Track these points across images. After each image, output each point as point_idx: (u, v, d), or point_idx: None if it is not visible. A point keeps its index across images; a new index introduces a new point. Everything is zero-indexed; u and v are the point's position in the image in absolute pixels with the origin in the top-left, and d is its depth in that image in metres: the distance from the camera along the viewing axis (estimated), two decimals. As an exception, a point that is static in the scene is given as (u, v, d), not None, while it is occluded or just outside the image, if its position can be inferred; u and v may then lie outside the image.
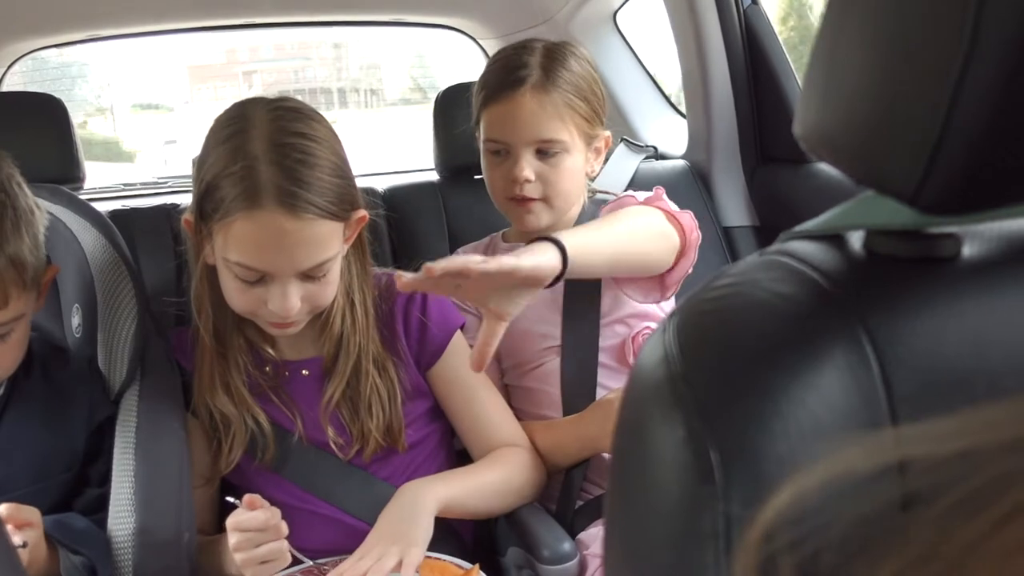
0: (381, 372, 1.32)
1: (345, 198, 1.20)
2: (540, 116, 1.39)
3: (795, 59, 1.84)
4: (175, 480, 1.23)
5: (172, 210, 1.70)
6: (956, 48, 0.42)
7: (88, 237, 1.35)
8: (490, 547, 1.45)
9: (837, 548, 0.33)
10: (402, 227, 1.81)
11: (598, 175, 1.57)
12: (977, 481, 0.27)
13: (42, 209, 1.23)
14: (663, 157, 2.06)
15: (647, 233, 1.34)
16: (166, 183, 2.42)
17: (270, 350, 1.33)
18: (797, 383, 0.46)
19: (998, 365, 0.46)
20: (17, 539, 1.05)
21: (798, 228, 0.56)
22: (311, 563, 1.23)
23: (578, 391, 1.45)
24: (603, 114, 1.47)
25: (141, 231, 1.67)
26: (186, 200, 1.30)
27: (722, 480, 0.45)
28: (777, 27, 1.86)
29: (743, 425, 0.46)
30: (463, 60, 2.80)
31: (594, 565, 1.27)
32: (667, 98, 2.31)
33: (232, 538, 1.14)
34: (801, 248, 0.53)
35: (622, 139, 1.99)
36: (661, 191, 1.41)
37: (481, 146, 1.49)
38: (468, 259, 1.05)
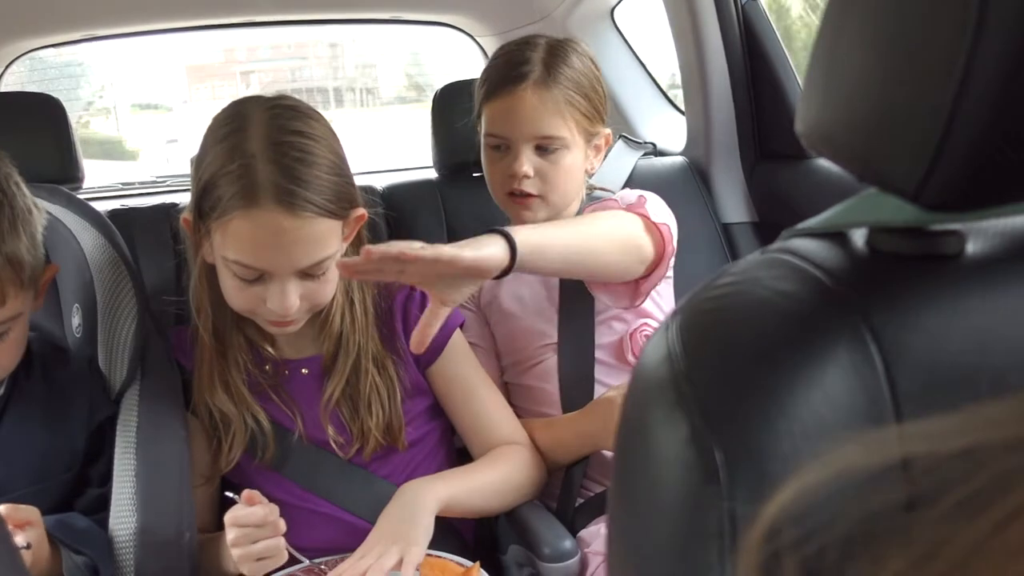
0: (381, 370, 1.32)
1: (343, 196, 1.19)
2: (541, 112, 1.40)
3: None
4: (176, 480, 1.23)
5: (171, 209, 1.69)
6: (959, 45, 0.41)
7: (87, 237, 1.34)
8: (491, 545, 1.45)
9: (840, 546, 0.32)
10: (401, 225, 1.80)
11: (596, 172, 1.57)
12: (979, 480, 0.27)
13: (40, 209, 1.23)
14: (662, 154, 2.06)
15: (612, 240, 1.32)
16: (165, 182, 2.42)
17: (270, 349, 1.33)
18: (801, 381, 0.45)
19: (1002, 362, 0.46)
20: (21, 540, 1.05)
21: (800, 226, 0.56)
22: (308, 562, 1.23)
23: (576, 388, 1.45)
24: (604, 112, 1.48)
25: (140, 230, 1.66)
26: (185, 199, 1.30)
27: (726, 479, 0.45)
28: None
29: (747, 424, 0.45)
30: (458, 59, 2.80)
31: (595, 563, 1.27)
32: (665, 94, 2.31)
33: (230, 533, 1.14)
34: (803, 246, 0.53)
35: (620, 136, 1.99)
36: (644, 200, 1.39)
37: (481, 140, 1.49)
38: (407, 245, 1.04)
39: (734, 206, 1.93)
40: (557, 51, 1.44)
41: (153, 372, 1.32)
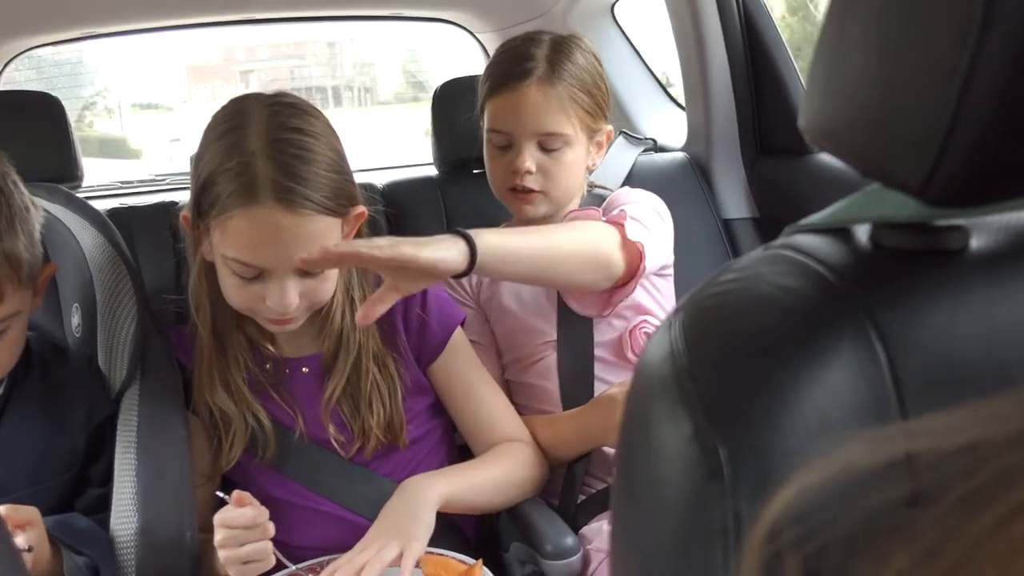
0: (381, 369, 1.32)
1: (343, 194, 1.19)
2: (544, 109, 1.40)
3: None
4: (177, 479, 1.23)
5: (171, 208, 1.69)
6: (964, 41, 0.41)
7: (87, 236, 1.34)
8: (493, 542, 1.45)
9: (843, 544, 0.32)
10: (401, 223, 1.80)
11: (597, 168, 1.57)
12: (982, 476, 0.27)
13: (38, 207, 1.23)
14: (662, 150, 2.06)
15: (580, 253, 1.29)
16: (164, 180, 2.41)
17: (270, 347, 1.33)
18: (804, 378, 0.45)
19: (1007, 357, 0.46)
20: (22, 542, 1.05)
21: (803, 221, 0.55)
22: (294, 568, 1.22)
23: (576, 386, 1.45)
24: (606, 108, 1.48)
25: (140, 229, 1.66)
26: (185, 197, 1.29)
27: (730, 476, 0.44)
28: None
29: (751, 421, 0.45)
30: (456, 58, 2.80)
31: (597, 560, 1.27)
32: (665, 90, 2.31)
33: (218, 534, 1.13)
34: (806, 241, 0.52)
35: (621, 132, 1.98)
36: (625, 214, 1.35)
37: (484, 136, 1.49)
38: (365, 243, 1.06)
39: (735, 202, 1.93)
40: (561, 47, 1.44)
41: (153, 371, 1.32)
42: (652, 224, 1.38)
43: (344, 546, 1.22)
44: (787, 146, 1.81)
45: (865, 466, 0.32)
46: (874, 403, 0.45)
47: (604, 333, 1.47)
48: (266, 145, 1.14)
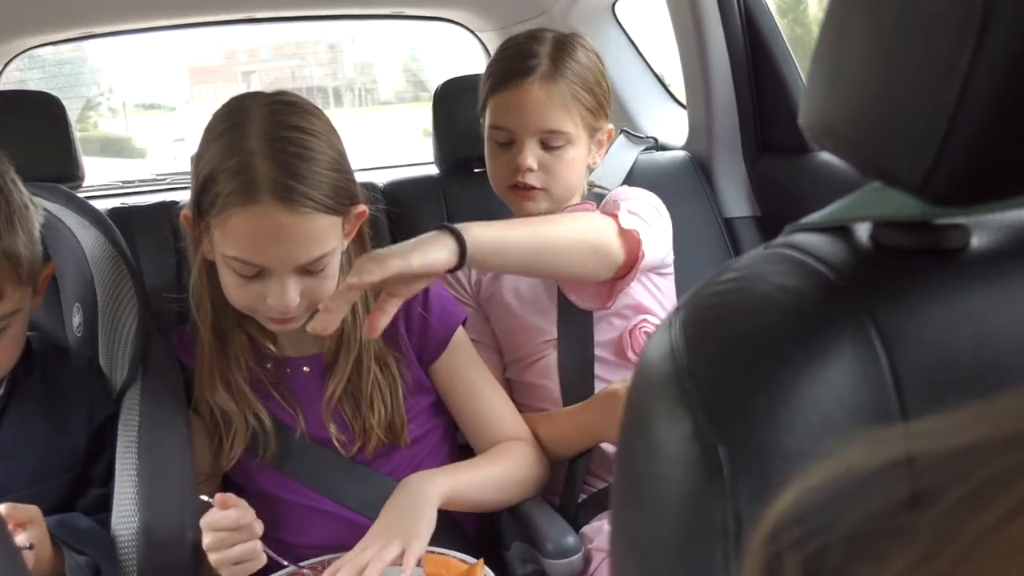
0: (383, 368, 1.32)
1: (343, 192, 1.19)
2: (547, 106, 1.40)
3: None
4: (178, 479, 1.23)
5: (172, 207, 1.69)
6: (964, 39, 0.41)
7: (87, 236, 1.34)
8: (494, 541, 1.45)
9: (843, 545, 0.32)
10: (403, 221, 1.80)
11: (598, 167, 1.57)
12: (981, 476, 0.27)
13: (37, 206, 1.23)
14: (663, 148, 2.06)
15: (578, 241, 1.30)
16: (165, 180, 2.42)
17: (271, 346, 1.33)
18: (804, 377, 0.45)
19: (1008, 356, 0.46)
20: (23, 539, 1.05)
21: (804, 220, 0.55)
22: (292, 567, 1.22)
23: (576, 385, 1.45)
24: (608, 107, 1.48)
25: (141, 229, 1.66)
26: (186, 197, 1.29)
27: (730, 476, 0.44)
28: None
29: (750, 420, 0.45)
30: (455, 59, 2.80)
31: (598, 559, 1.27)
32: (667, 88, 2.31)
33: (205, 538, 1.13)
34: (807, 240, 0.52)
35: (622, 130, 1.98)
36: (619, 206, 1.36)
37: (485, 133, 1.49)
38: (355, 272, 1.08)
39: (736, 200, 1.93)
40: (564, 45, 1.45)
41: (154, 371, 1.32)
42: (649, 217, 1.38)
43: (345, 545, 1.22)
44: (788, 144, 1.81)
45: (866, 467, 0.32)
46: (874, 402, 0.45)
47: (604, 332, 1.46)
48: (266, 143, 1.14)
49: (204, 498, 1.17)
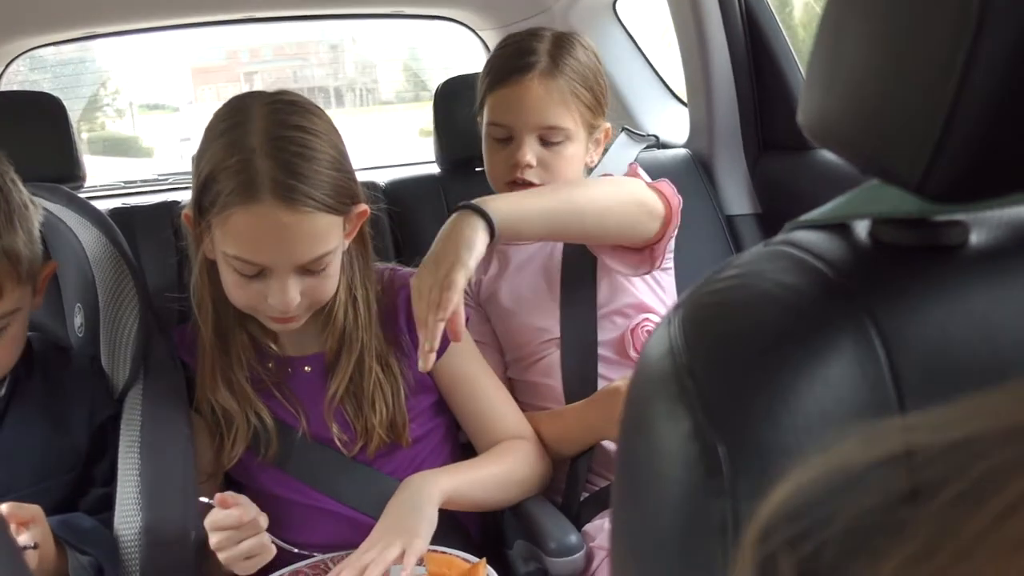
0: (384, 368, 1.32)
1: (344, 192, 1.19)
2: (546, 102, 1.41)
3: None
4: (180, 478, 1.23)
5: (173, 207, 1.69)
6: (962, 36, 0.41)
7: (88, 236, 1.34)
8: (497, 540, 1.45)
9: (839, 542, 0.32)
10: (404, 221, 1.80)
11: (596, 166, 1.57)
12: (980, 469, 0.27)
13: (37, 205, 1.23)
14: (665, 146, 2.06)
15: (618, 201, 1.33)
16: (167, 180, 2.42)
17: (273, 346, 1.33)
18: (804, 375, 0.45)
19: (1007, 353, 0.46)
20: (27, 539, 1.05)
21: (803, 218, 0.55)
22: (298, 552, 1.23)
23: (579, 384, 1.45)
24: (605, 105, 1.48)
25: (142, 228, 1.66)
26: (187, 197, 1.29)
27: (729, 474, 0.44)
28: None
29: (750, 418, 0.45)
30: (456, 58, 2.80)
31: (600, 557, 1.27)
32: (668, 86, 2.30)
33: (212, 538, 1.13)
34: (806, 238, 0.52)
35: (623, 128, 1.98)
36: (636, 166, 1.43)
37: (483, 131, 1.49)
38: (446, 309, 1.14)
39: (737, 198, 1.93)
40: (563, 43, 1.45)
41: (156, 370, 1.32)
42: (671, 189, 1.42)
43: (347, 544, 1.22)
44: (789, 142, 1.81)
45: (863, 462, 0.32)
46: (873, 400, 0.45)
47: (607, 331, 1.46)
48: (266, 142, 1.14)
49: (204, 500, 1.17)
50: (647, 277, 1.47)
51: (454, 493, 1.26)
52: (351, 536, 1.23)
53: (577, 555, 1.24)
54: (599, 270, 1.48)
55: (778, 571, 0.32)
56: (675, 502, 0.47)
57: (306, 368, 1.33)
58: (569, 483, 1.42)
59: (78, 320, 1.32)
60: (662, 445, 0.48)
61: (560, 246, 1.51)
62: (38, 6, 2.01)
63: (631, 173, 1.42)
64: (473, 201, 1.21)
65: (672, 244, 1.44)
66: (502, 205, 1.22)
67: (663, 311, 1.46)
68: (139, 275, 1.36)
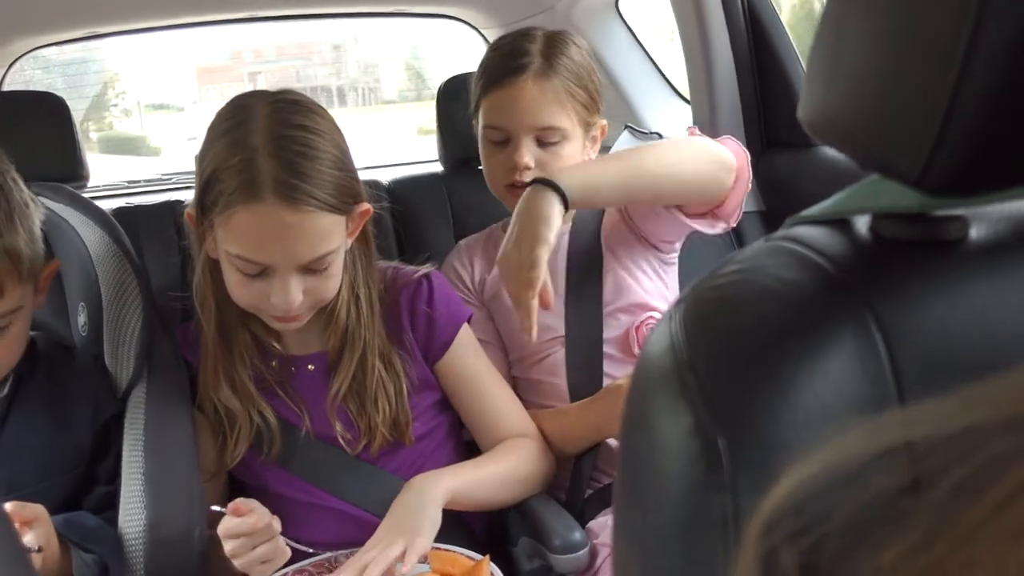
0: (387, 366, 1.32)
1: (346, 191, 1.19)
2: (541, 102, 1.40)
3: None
4: (184, 476, 1.23)
5: (176, 206, 1.70)
6: (961, 30, 0.41)
7: (91, 235, 1.35)
8: (501, 537, 1.45)
9: (841, 535, 0.32)
10: (407, 219, 1.81)
11: None
12: (978, 461, 0.27)
13: (37, 203, 1.23)
14: (668, 144, 2.05)
15: (692, 158, 1.35)
16: (170, 179, 2.42)
17: (276, 345, 1.33)
18: (804, 369, 0.45)
19: (1007, 347, 0.46)
20: (32, 540, 1.05)
21: (803, 213, 0.55)
22: (313, 552, 1.24)
23: (584, 382, 1.45)
24: (600, 102, 1.48)
25: (145, 228, 1.67)
26: (190, 196, 1.30)
27: (730, 469, 0.44)
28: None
29: (750, 413, 0.45)
30: (458, 57, 2.80)
31: (604, 554, 1.27)
32: (671, 84, 2.30)
33: (226, 545, 1.14)
34: (807, 233, 0.52)
35: (626, 126, 1.98)
36: (695, 128, 1.44)
37: (479, 134, 1.49)
38: (536, 288, 1.21)
39: (740, 196, 1.92)
40: (555, 42, 1.45)
41: (160, 369, 1.32)
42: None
43: (351, 542, 1.22)
44: (792, 139, 1.80)
45: (863, 454, 0.32)
46: (873, 394, 0.45)
47: (611, 328, 1.46)
48: (269, 141, 1.14)
49: (216, 508, 1.17)
50: (652, 275, 1.47)
51: (458, 493, 1.26)
52: (355, 534, 1.23)
53: (581, 552, 1.24)
54: (605, 267, 1.48)
55: (780, 564, 0.32)
56: (676, 497, 0.47)
57: (309, 366, 1.34)
58: (573, 480, 1.42)
59: (82, 319, 1.32)
60: (663, 440, 0.48)
61: (565, 244, 1.51)
62: (41, 6, 2.01)
63: (691, 135, 1.43)
64: (545, 175, 1.26)
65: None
66: (574, 177, 1.27)
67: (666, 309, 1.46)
68: (142, 274, 1.36)
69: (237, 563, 1.14)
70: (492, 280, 1.53)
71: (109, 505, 1.21)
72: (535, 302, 1.22)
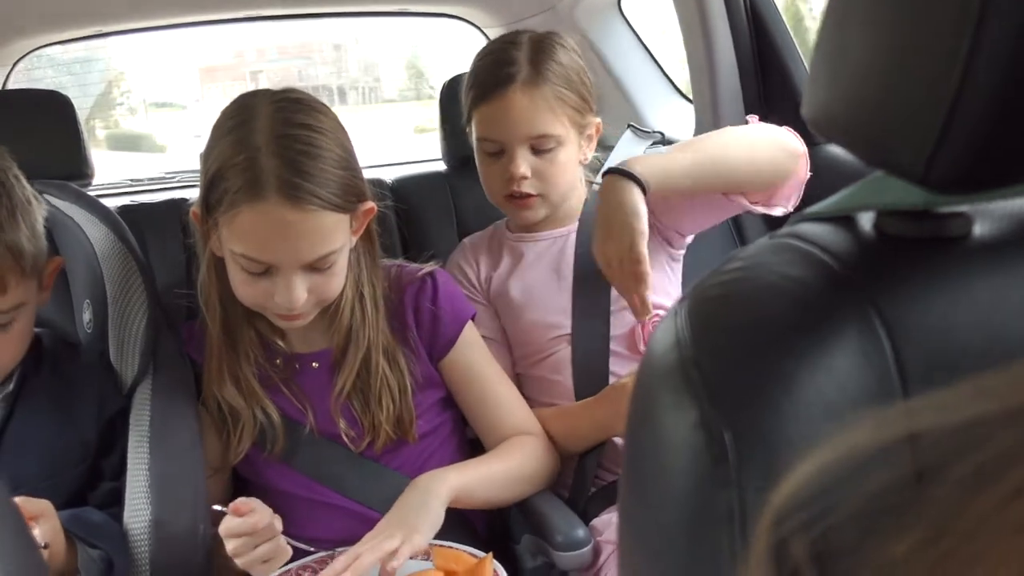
0: (391, 364, 1.32)
1: (350, 190, 1.19)
2: (532, 112, 1.39)
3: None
4: (190, 473, 1.24)
5: (181, 204, 1.70)
6: (965, 26, 0.41)
7: (97, 232, 1.35)
8: (504, 534, 1.45)
9: (848, 527, 0.32)
10: (411, 218, 1.81)
11: (604, 167, 1.56)
12: (984, 454, 0.27)
13: (40, 201, 1.24)
14: (670, 142, 2.05)
15: (756, 142, 1.38)
16: (175, 177, 2.42)
17: (280, 342, 1.33)
18: (808, 365, 0.45)
19: (1011, 343, 0.46)
20: (38, 536, 1.06)
21: (808, 210, 0.56)
22: (316, 551, 1.24)
23: (590, 379, 1.45)
24: (593, 101, 1.47)
25: (150, 225, 1.67)
26: (195, 194, 1.30)
27: (735, 464, 0.45)
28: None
29: (755, 408, 0.45)
30: (458, 56, 2.80)
31: (607, 551, 1.27)
32: (673, 83, 2.30)
33: (228, 544, 1.14)
34: (811, 230, 0.53)
35: (629, 125, 1.98)
36: (755, 116, 1.47)
37: (474, 145, 1.48)
38: (649, 280, 1.24)
39: (743, 195, 1.92)
40: (542, 47, 1.43)
41: (165, 366, 1.33)
42: None
43: (354, 539, 1.22)
44: (795, 138, 1.80)
45: (869, 447, 0.32)
46: (878, 390, 0.45)
47: (617, 327, 1.46)
48: (272, 140, 1.14)
49: (217, 507, 1.17)
50: (659, 272, 1.47)
51: (463, 491, 1.26)
52: (359, 531, 1.23)
53: (584, 549, 1.24)
54: None
55: (790, 555, 0.32)
56: (681, 492, 0.47)
57: (313, 364, 1.34)
58: (577, 478, 1.42)
59: (87, 316, 1.33)
60: (668, 436, 0.49)
61: (572, 242, 1.51)
62: (45, 6, 2.01)
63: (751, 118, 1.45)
64: (618, 165, 1.28)
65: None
66: (648, 167, 1.28)
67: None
68: (147, 271, 1.36)
69: (239, 562, 1.15)
70: (499, 278, 1.53)
71: (114, 501, 1.22)
72: (651, 296, 1.25)
